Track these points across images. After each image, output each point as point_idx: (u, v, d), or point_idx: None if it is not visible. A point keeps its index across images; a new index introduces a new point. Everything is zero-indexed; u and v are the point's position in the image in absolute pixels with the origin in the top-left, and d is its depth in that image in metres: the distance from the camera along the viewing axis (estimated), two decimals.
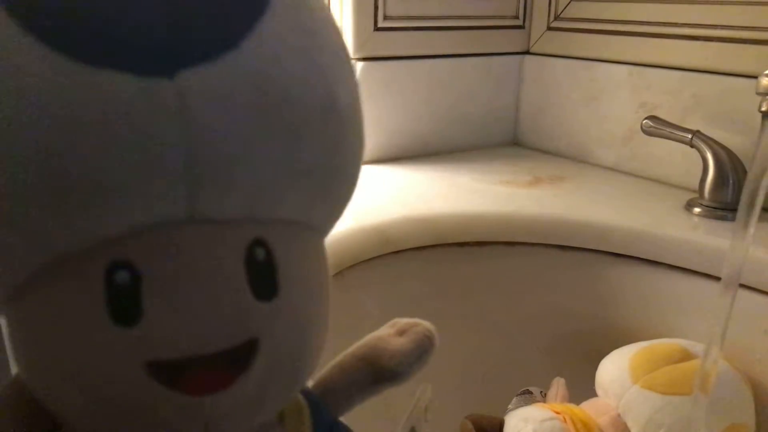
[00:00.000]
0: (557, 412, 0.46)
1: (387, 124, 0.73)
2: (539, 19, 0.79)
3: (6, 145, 0.15)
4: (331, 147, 0.19)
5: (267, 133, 0.17)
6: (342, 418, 0.26)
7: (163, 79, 0.16)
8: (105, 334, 0.17)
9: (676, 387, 0.44)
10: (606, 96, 0.71)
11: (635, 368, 0.46)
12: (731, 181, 0.55)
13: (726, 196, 0.56)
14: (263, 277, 0.18)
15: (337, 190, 0.21)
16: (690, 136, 0.57)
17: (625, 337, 0.53)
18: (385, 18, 0.70)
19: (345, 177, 0.21)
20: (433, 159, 0.75)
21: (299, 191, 0.19)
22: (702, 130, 0.57)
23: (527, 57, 0.81)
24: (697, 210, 0.57)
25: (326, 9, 0.20)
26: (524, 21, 0.80)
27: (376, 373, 0.26)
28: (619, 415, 0.46)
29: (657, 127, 0.60)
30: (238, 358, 0.18)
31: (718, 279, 0.38)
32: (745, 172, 0.55)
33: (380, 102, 0.72)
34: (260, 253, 0.18)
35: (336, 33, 0.20)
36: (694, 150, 0.57)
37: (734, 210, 0.53)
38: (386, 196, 0.61)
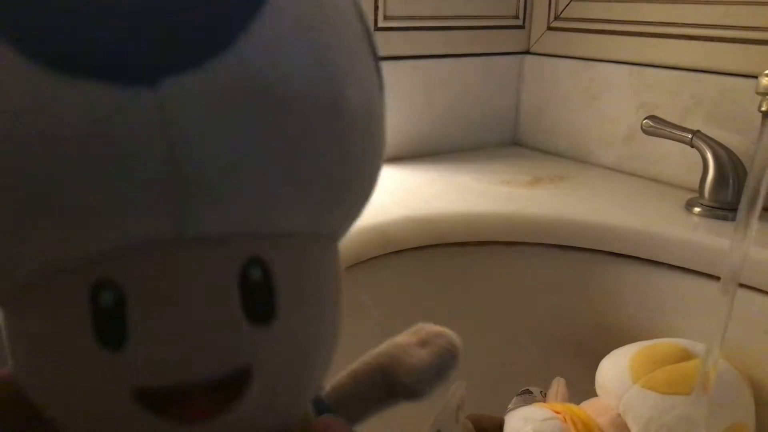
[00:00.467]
0: (557, 412, 0.46)
1: (387, 125, 0.73)
2: (539, 19, 0.79)
3: None
4: (340, 147, 0.18)
5: (261, 142, 0.16)
6: None
7: (144, 88, 0.14)
8: (90, 356, 0.16)
9: (676, 387, 0.44)
10: (606, 96, 0.71)
11: (635, 368, 0.46)
12: (731, 181, 0.55)
13: (726, 196, 0.56)
14: (259, 299, 0.17)
15: (349, 195, 0.19)
16: (690, 135, 0.57)
17: (625, 337, 0.53)
18: (385, 18, 0.70)
19: (359, 180, 0.19)
20: (433, 159, 0.75)
21: (302, 201, 0.17)
22: (702, 130, 0.57)
23: (527, 57, 0.81)
24: (697, 210, 0.57)
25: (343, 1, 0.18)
26: (524, 21, 0.80)
27: (391, 387, 0.25)
28: (619, 415, 0.46)
29: (657, 127, 0.60)
30: (230, 385, 0.17)
31: (718, 279, 0.38)
32: (745, 171, 0.55)
33: None
34: (256, 272, 0.17)
35: (353, 26, 0.18)
36: (694, 150, 0.57)
37: (734, 210, 0.53)
38: (386, 196, 0.61)
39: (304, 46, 0.16)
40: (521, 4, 0.79)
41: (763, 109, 0.42)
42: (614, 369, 0.47)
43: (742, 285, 0.38)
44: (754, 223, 0.36)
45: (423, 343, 0.26)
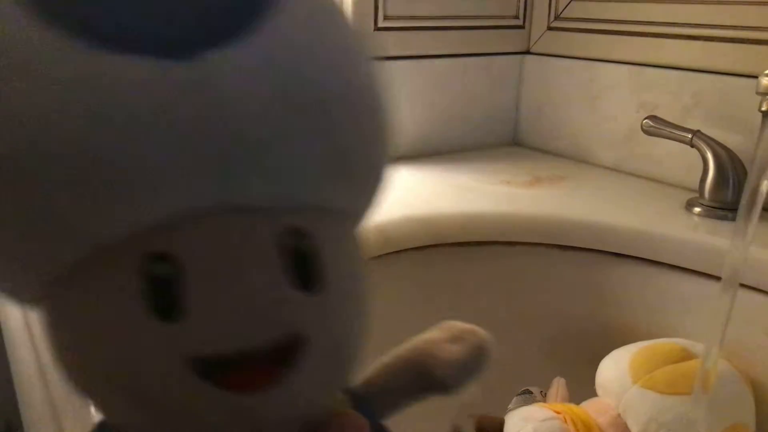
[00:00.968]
0: (557, 412, 0.46)
1: None
2: (539, 19, 0.79)
3: (35, 136, 0.15)
4: (354, 127, 0.19)
5: (294, 115, 0.17)
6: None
7: (185, 62, 0.15)
8: (145, 328, 0.16)
9: (676, 387, 0.44)
10: (606, 96, 0.71)
11: (635, 368, 0.46)
12: (731, 181, 0.55)
13: (726, 196, 0.56)
14: (307, 268, 0.17)
15: (368, 171, 0.20)
16: (690, 135, 0.57)
17: (625, 337, 0.53)
18: (385, 18, 0.70)
19: (373, 158, 0.20)
20: (433, 159, 0.75)
21: (331, 175, 0.18)
22: (702, 130, 0.57)
23: (527, 57, 0.81)
24: (697, 210, 0.57)
25: None
26: (524, 21, 0.80)
27: (424, 382, 0.25)
28: (619, 415, 0.46)
29: (657, 126, 0.60)
30: (284, 354, 0.17)
31: (718, 279, 0.38)
32: (745, 171, 0.55)
33: None
34: (301, 243, 0.18)
35: (347, 15, 0.19)
36: (694, 150, 0.57)
37: (734, 210, 0.53)
38: (386, 196, 0.61)
39: (322, 29, 0.18)
40: (521, 4, 0.79)
41: (763, 109, 0.42)
42: (614, 369, 0.47)
43: (742, 285, 0.38)
44: (754, 223, 0.36)
45: (455, 339, 0.26)
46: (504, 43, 0.80)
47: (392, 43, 0.71)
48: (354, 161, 0.19)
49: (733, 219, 0.53)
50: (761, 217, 0.37)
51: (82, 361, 0.18)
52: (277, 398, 0.17)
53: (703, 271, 0.52)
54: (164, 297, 0.16)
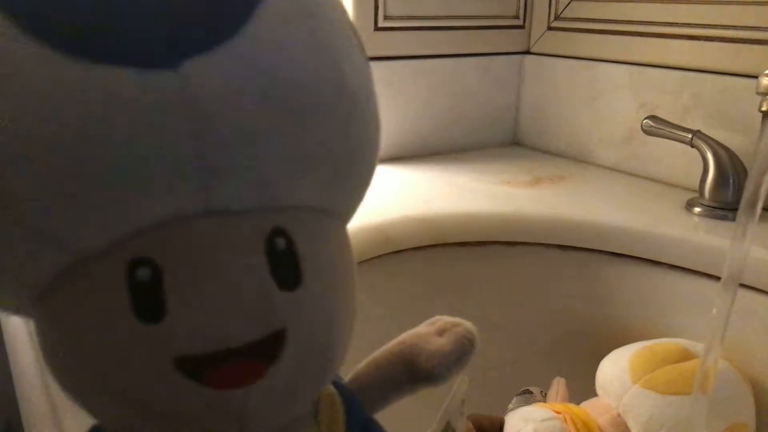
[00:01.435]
0: (557, 412, 0.46)
1: (387, 124, 0.73)
2: (539, 19, 0.79)
3: (17, 147, 0.15)
4: (343, 129, 0.19)
5: (274, 118, 0.17)
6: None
7: (167, 70, 0.15)
8: (131, 332, 0.17)
9: (676, 387, 0.44)
10: (606, 96, 0.71)
11: (635, 368, 0.46)
12: (731, 181, 0.55)
13: (726, 196, 0.56)
14: (285, 266, 0.18)
15: (354, 173, 0.20)
16: (690, 135, 0.57)
17: (625, 337, 0.53)
18: (385, 18, 0.70)
19: (361, 160, 0.20)
20: (433, 159, 0.75)
21: (314, 176, 0.19)
22: (702, 130, 0.57)
23: (527, 57, 0.81)
24: (697, 210, 0.57)
25: None
26: (524, 21, 0.80)
27: (412, 373, 0.26)
28: (619, 415, 0.46)
29: (657, 126, 0.60)
30: (267, 349, 0.18)
31: (718, 279, 0.38)
32: (745, 171, 0.55)
33: (380, 102, 0.72)
34: (280, 242, 0.18)
35: (341, 12, 0.19)
36: (694, 150, 0.57)
37: (734, 210, 0.53)
38: (386, 196, 0.61)
39: (305, 30, 0.18)
40: (521, 4, 0.79)
41: (763, 109, 0.42)
42: (614, 369, 0.47)
43: (742, 285, 0.38)
44: (754, 223, 0.36)
45: (441, 331, 0.27)
46: (504, 43, 0.80)
47: (392, 43, 0.71)
48: (340, 161, 0.19)
49: (733, 219, 0.53)
50: (761, 217, 0.37)
51: (71, 366, 0.18)
52: (262, 392, 0.18)
53: (703, 271, 0.52)
54: (148, 300, 0.17)
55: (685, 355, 0.47)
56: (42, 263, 0.17)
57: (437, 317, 0.28)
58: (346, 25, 0.19)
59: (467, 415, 0.49)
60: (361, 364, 0.26)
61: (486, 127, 0.81)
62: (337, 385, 0.24)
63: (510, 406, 0.51)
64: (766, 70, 0.44)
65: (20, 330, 0.39)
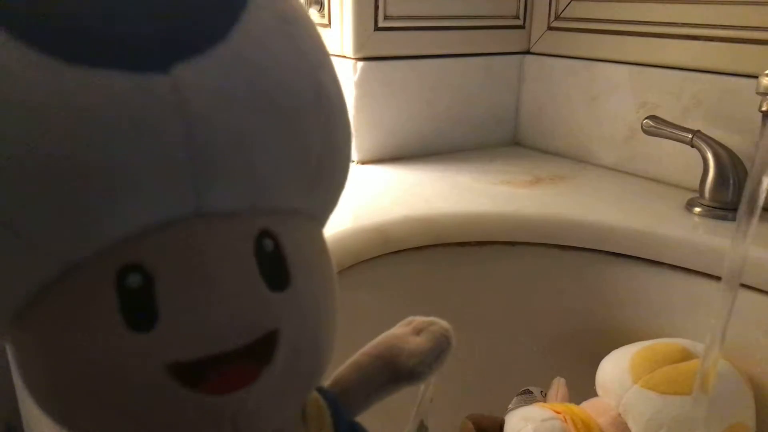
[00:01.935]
0: (557, 412, 0.46)
1: (387, 124, 0.73)
2: (539, 19, 0.79)
3: (5, 155, 0.15)
4: (324, 133, 0.19)
5: (263, 120, 0.17)
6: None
7: (159, 74, 0.16)
8: (121, 340, 0.16)
9: (676, 387, 0.44)
10: (606, 96, 0.71)
11: (635, 368, 0.46)
12: (732, 181, 0.55)
13: (726, 196, 0.56)
14: (274, 267, 0.18)
15: (333, 176, 0.21)
16: (690, 135, 0.57)
17: (625, 337, 0.53)
18: (385, 18, 0.70)
19: (339, 163, 0.21)
20: (433, 159, 0.75)
21: (299, 179, 0.19)
22: (702, 130, 0.57)
23: (527, 57, 0.81)
24: (697, 210, 0.57)
25: None
26: (524, 21, 0.80)
27: (393, 373, 0.26)
28: (619, 415, 0.46)
29: (657, 126, 0.60)
30: (260, 352, 0.18)
31: (718, 279, 0.38)
32: (745, 171, 0.55)
33: (380, 102, 0.72)
34: (268, 244, 0.18)
35: (311, 22, 0.20)
36: (694, 150, 0.57)
37: (734, 210, 0.53)
38: (386, 196, 0.61)
39: (285, 37, 0.18)
40: (521, 4, 0.79)
41: (763, 109, 0.42)
42: (614, 369, 0.47)
43: (742, 285, 0.38)
44: (754, 223, 0.36)
45: (417, 331, 0.27)
46: (504, 43, 0.80)
47: (392, 43, 0.71)
48: (321, 165, 0.20)
49: (733, 219, 0.53)
50: (761, 217, 0.37)
51: (57, 384, 0.17)
52: (256, 395, 0.18)
53: (703, 271, 0.52)
54: (140, 307, 0.16)
55: (685, 355, 0.47)
56: (27, 275, 0.16)
57: (411, 318, 0.28)
58: (319, 38, 0.20)
59: (468, 415, 0.49)
60: (341, 368, 0.26)
61: (486, 127, 0.81)
62: (320, 389, 0.25)
63: (510, 406, 0.51)
64: (766, 70, 0.44)
65: None
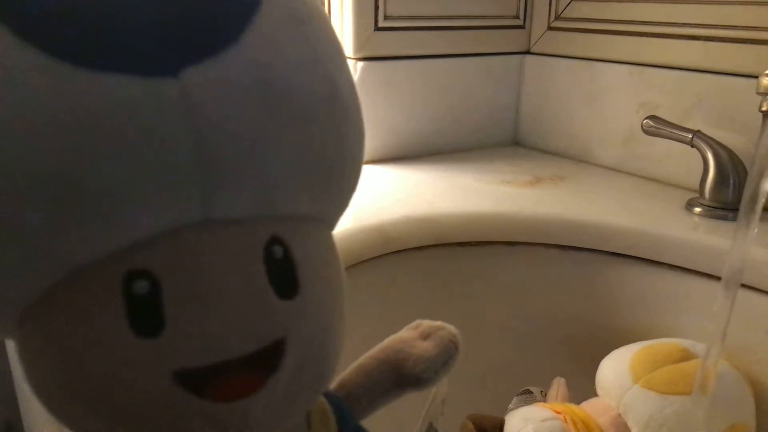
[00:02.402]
0: (558, 412, 0.46)
1: (387, 124, 0.73)
2: (539, 19, 0.79)
3: (10, 158, 0.15)
4: (337, 136, 0.19)
5: (275, 125, 0.17)
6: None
7: (168, 78, 0.15)
8: (128, 346, 0.16)
9: (676, 387, 0.44)
10: (606, 96, 0.71)
11: (635, 368, 0.46)
12: (732, 181, 0.55)
13: (726, 196, 0.56)
14: (283, 274, 0.18)
15: (345, 180, 0.20)
16: (690, 135, 0.57)
17: (625, 337, 0.53)
18: (385, 18, 0.70)
19: (351, 167, 0.20)
20: (433, 159, 0.75)
21: (310, 184, 0.19)
22: (702, 130, 0.57)
23: (527, 57, 0.81)
24: (697, 210, 0.57)
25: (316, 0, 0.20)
26: (524, 21, 0.80)
27: (400, 378, 0.26)
28: (619, 415, 0.46)
29: (657, 126, 0.60)
30: (266, 360, 0.17)
31: (718, 279, 0.38)
32: (745, 171, 0.55)
33: (380, 102, 0.72)
34: (278, 250, 0.18)
35: (327, 22, 0.20)
36: (694, 150, 0.57)
37: (735, 210, 0.53)
38: (387, 196, 0.61)
39: (299, 39, 0.18)
40: (521, 4, 0.79)
41: (764, 109, 0.42)
42: (614, 369, 0.47)
43: (742, 285, 0.38)
44: (754, 223, 0.36)
45: (425, 336, 0.27)
46: (504, 43, 0.80)
47: (392, 43, 0.71)
48: (333, 168, 0.19)
49: (733, 219, 0.53)
50: (761, 217, 0.37)
51: (62, 386, 0.17)
52: (261, 403, 0.18)
53: (703, 271, 0.52)
54: (146, 313, 0.16)
55: (685, 355, 0.47)
56: (33, 278, 0.16)
57: (418, 321, 0.28)
58: (333, 35, 0.20)
59: (468, 415, 0.49)
60: (347, 371, 0.26)
61: (486, 127, 0.81)
62: (325, 393, 0.24)
63: (510, 406, 0.51)
64: (766, 70, 0.44)
65: None
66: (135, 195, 0.15)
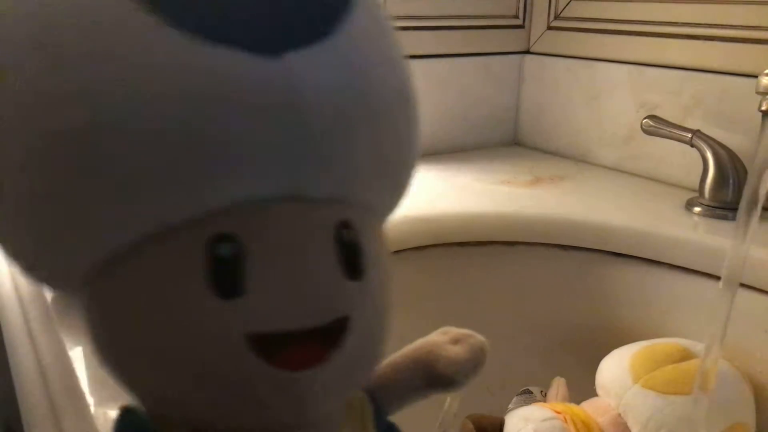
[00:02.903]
0: (558, 412, 0.46)
1: None
2: (539, 19, 0.79)
3: (124, 113, 0.16)
4: (407, 134, 0.21)
5: (362, 115, 0.18)
6: None
7: (273, 58, 0.16)
8: (206, 306, 0.17)
9: (676, 387, 0.44)
10: (606, 96, 0.71)
11: (635, 368, 0.46)
12: (731, 181, 0.55)
13: (726, 196, 0.56)
14: (351, 257, 0.19)
15: (407, 176, 0.22)
16: (690, 135, 0.57)
17: (625, 337, 0.53)
18: None
19: (413, 164, 0.22)
20: (433, 159, 0.75)
21: (381, 177, 0.20)
22: (702, 130, 0.57)
23: (527, 57, 0.81)
24: (697, 209, 0.57)
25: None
26: (524, 21, 0.80)
27: (430, 378, 0.27)
28: (619, 415, 0.46)
29: (657, 126, 0.60)
30: (331, 335, 0.18)
31: (718, 279, 0.38)
32: (745, 171, 0.55)
33: None
34: (348, 234, 0.19)
35: (391, 21, 0.21)
36: (694, 149, 0.57)
37: (734, 209, 0.53)
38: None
39: (383, 39, 0.20)
40: (521, 4, 0.79)
41: (763, 108, 0.42)
42: (614, 369, 0.47)
43: (742, 285, 0.38)
44: (754, 223, 0.36)
45: (455, 341, 0.28)
46: (504, 43, 0.80)
47: None
48: (398, 164, 0.21)
49: (733, 219, 0.53)
50: (761, 217, 0.37)
51: (130, 341, 0.18)
52: (323, 376, 0.18)
53: (703, 271, 0.52)
54: (227, 276, 0.17)
55: (685, 355, 0.47)
56: (123, 227, 0.17)
57: (447, 328, 0.29)
58: (397, 36, 0.21)
59: (467, 415, 0.49)
60: (381, 366, 0.27)
61: (486, 127, 0.81)
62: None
63: (510, 406, 0.51)
64: (766, 70, 0.44)
65: (20, 330, 0.39)
66: (237, 162, 0.16)
